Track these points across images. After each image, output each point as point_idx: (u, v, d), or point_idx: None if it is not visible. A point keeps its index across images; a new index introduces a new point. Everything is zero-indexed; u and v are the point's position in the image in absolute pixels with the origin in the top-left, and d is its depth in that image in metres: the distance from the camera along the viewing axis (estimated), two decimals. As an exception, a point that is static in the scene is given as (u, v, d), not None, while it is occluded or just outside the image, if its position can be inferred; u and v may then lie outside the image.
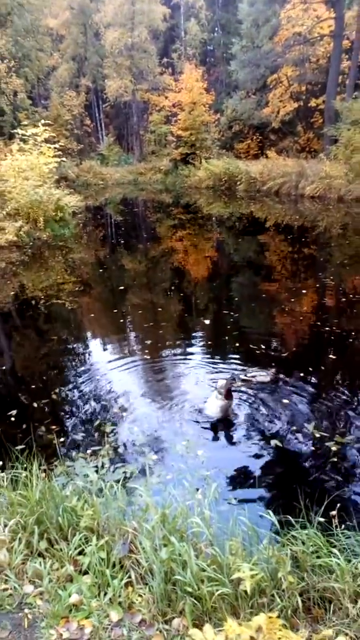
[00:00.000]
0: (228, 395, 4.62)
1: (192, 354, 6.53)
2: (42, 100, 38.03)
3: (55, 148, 16.10)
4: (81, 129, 38.94)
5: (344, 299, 8.66)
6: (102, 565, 2.45)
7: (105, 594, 2.37)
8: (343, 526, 2.70)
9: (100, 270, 12.06)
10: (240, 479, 3.86)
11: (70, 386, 5.63)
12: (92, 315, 8.83)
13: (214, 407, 4.67)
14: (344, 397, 5.07)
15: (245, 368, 5.79)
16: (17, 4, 28.75)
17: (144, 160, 37.57)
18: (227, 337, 7.08)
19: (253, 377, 5.44)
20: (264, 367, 5.64)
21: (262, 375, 5.40)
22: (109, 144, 40.99)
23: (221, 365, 6.00)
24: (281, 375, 5.44)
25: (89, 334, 7.86)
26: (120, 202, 26.31)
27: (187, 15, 39.19)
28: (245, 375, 5.50)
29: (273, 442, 4.27)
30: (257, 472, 3.94)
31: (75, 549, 2.60)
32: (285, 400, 5.00)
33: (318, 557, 2.43)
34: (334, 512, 2.82)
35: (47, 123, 16.84)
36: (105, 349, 6.95)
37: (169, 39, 40.48)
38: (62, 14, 40.42)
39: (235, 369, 5.81)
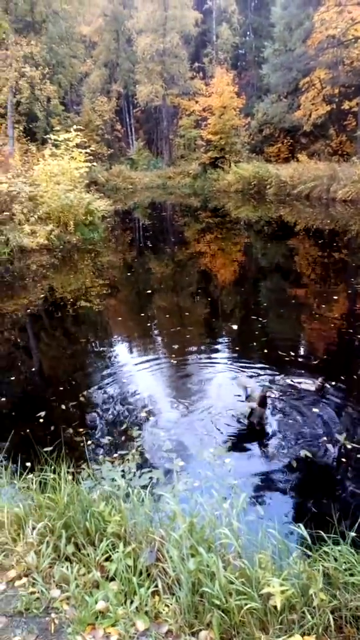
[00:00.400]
0: (262, 403, 4.55)
1: (219, 358, 6.47)
2: (75, 105, 38.72)
3: (86, 153, 16.33)
4: (112, 134, 39.44)
5: (376, 306, 8.43)
6: (129, 572, 2.43)
7: (132, 602, 2.34)
8: (378, 543, 2.60)
9: (128, 274, 12.14)
10: (269, 489, 3.78)
11: (98, 388, 5.66)
12: (120, 318, 8.88)
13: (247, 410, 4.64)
14: (377, 408, 4.91)
15: (280, 374, 5.69)
16: (52, 11, 29.40)
17: (173, 164, 37.74)
18: (254, 343, 6.98)
19: (299, 383, 5.34)
20: (310, 376, 5.50)
21: (308, 384, 5.29)
22: (138, 148, 41.37)
23: (248, 371, 5.92)
24: (327, 386, 5.28)
25: (116, 337, 7.90)
26: (148, 206, 26.49)
27: (219, 19, 39.22)
28: (292, 381, 5.41)
29: (303, 452, 4.17)
30: (287, 483, 3.85)
31: (102, 554, 2.59)
32: (315, 409, 4.89)
33: (351, 575, 2.34)
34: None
35: (79, 128, 17.11)
36: (132, 352, 6.97)
37: (200, 43, 40.60)
38: (95, 21, 41.12)
39: (273, 375, 5.72)
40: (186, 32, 36.48)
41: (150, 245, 16.58)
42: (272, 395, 4.83)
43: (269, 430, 4.59)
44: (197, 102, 36.92)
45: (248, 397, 4.84)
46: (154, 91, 36.26)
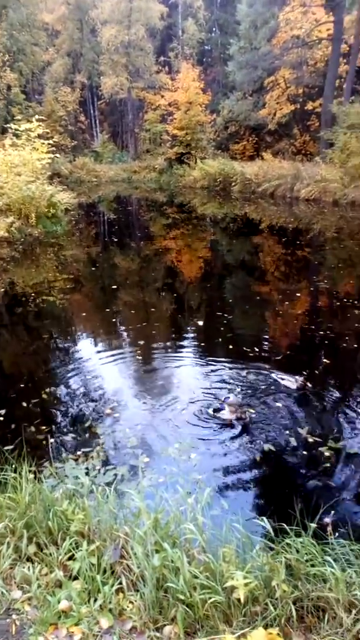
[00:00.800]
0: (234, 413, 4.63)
1: (184, 355, 6.49)
2: (36, 95, 37.69)
3: (48, 144, 15.95)
4: (75, 126, 38.66)
5: (337, 303, 8.67)
6: (93, 570, 2.40)
7: (96, 600, 2.32)
8: (337, 534, 2.68)
9: (93, 268, 11.97)
10: (234, 483, 3.82)
11: (61, 386, 5.55)
12: (84, 313, 8.75)
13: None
14: (337, 401, 5.06)
15: (270, 370, 5.75)
16: (13, -3, 28.52)
17: (138, 158, 37.41)
18: (220, 339, 7.04)
19: (282, 379, 5.41)
20: (293, 374, 5.51)
21: (290, 382, 5.34)
22: (103, 141, 40.77)
23: (213, 367, 5.96)
24: (309, 385, 5.33)
25: (80, 333, 7.77)
26: (113, 200, 26.18)
27: (185, 14, 39.07)
28: (276, 377, 5.48)
29: (266, 446, 4.24)
30: (250, 477, 3.91)
31: (65, 553, 2.54)
32: (278, 404, 4.98)
33: (312, 566, 2.40)
34: (328, 520, 2.79)
35: (41, 118, 16.67)
36: (96, 349, 6.87)
37: (166, 37, 40.34)
38: (58, 9, 40.11)
39: (248, 369, 5.75)
40: (151, 25, 36.15)
41: (115, 239, 16.40)
42: (247, 417, 4.78)
43: (234, 425, 4.64)
44: (162, 96, 36.71)
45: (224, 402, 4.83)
46: (119, 83, 35.79)
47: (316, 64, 28.75)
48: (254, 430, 4.53)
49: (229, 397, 4.80)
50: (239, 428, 4.56)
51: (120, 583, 2.38)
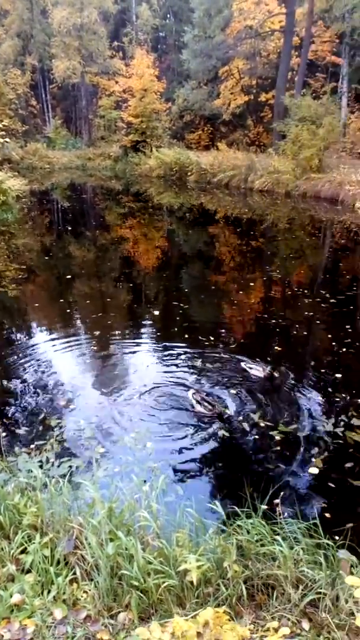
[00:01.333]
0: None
1: (140, 345, 6.49)
2: (-16, 76, 35.98)
3: (-2, 128, 15.34)
4: (26, 110, 37.29)
5: (289, 292, 8.91)
6: (46, 563, 2.39)
7: (49, 592, 2.31)
8: (286, 514, 2.79)
9: (46, 258, 11.68)
10: (189, 469, 3.88)
11: (13, 379, 5.42)
12: (37, 304, 8.54)
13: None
14: (288, 386, 5.23)
15: (227, 357, 5.81)
16: None
17: (92, 145, 36.64)
18: (175, 328, 7.08)
19: (250, 368, 5.46)
20: (261, 362, 5.57)
21: (258, 370, 5.38)
22: (56, 126, 39.55)
23: (169, 356, 6.00)
24: (276, 375, 5.40)
25: (33, 324, 7.59)
26: (67, 188, 25.56)
27: (139, -1, 38.41)
28: (244, 365, 5.51)
29: (221, 432, 4.33)
30: (205, 463, 3.98)
31: (18, 547, 2.51)
32: (232, 391, 5.09)
33: (262, 545, 2.49)
34: (277, 501, 2.90)
35: (-10, 101, 15.98)
36: (51, 340, 6.73)
37: (119, 22, 39.51)
38: (6, -14, 38.33)
39: (214, 358, 5.81)
40: (105, 9, 35.32)
41: (70, 228, 16.05)
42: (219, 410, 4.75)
43: (189, 411, 4.70)
44: (117, 82, 36.04)
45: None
46: (72, 67, 34.76)
47: (269, 55, 29.07)
48: (208, 417, 4.60)
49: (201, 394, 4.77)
50: (198, 417, 4.62)
51: (75, 573, 2.38)
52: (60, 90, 41.21)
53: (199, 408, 4.66)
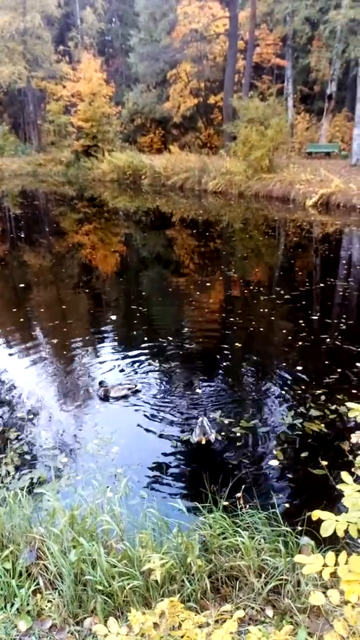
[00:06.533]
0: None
1: (100, 351, 6.45)
2: None
3: None
4: (-28, 116, 36.26)
5: (246, 290, 9.08)
6: (7, 576, 2.35)
7: (12, 604, 2.28)
8: (248, 506, 2.86)
9: None
10: (151, 472, 3.90)
11: (-30, 392, 5.27)
12: (-8, 315, 8.32)
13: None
14: (249, 384, 5.34)
15: (156, 360, 5.85)
16: None
17: (43, 151, 35.97)
18: (135, 332, 7.08)
19: (116, 391, 5.12)
20: (123, 382, 5.32)
21: (121, 391, 5.09)
22: (3, 132, 38.54)
23: (129, 361, 6.00)
24: (138, 387, 5.18)
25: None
26: (19, 195, 24.99)
27: (83, 3, 38.02)
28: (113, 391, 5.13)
29: (184, 434, 4.37)
30: (167, 463, 4.01)
31: (-22, 564, 2.46)
32: (198, 391, 5.15)
33: (225, 539, 2.55)
34: (239, 494, 2.97)
35: None
36: (6, 351, 6.58)
37: (64, 26, 39.00)
38: None
39: (176, 360, 5.83)
40: (48, 13, 34.80)
41: (23, 236, 15.71)
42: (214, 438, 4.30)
43: (150, 415, 4.72)
44: (64, 87, 35.54)
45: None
46: (17, 72, 34.01)
47: (215, 58, 29.55)
48: (175, 419, 4.64)
49: (202, 421, 4.33)
50: (165, 423, 4.63)
51: (38, 584, 2.36)
52: (7, 96, 40.23)
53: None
